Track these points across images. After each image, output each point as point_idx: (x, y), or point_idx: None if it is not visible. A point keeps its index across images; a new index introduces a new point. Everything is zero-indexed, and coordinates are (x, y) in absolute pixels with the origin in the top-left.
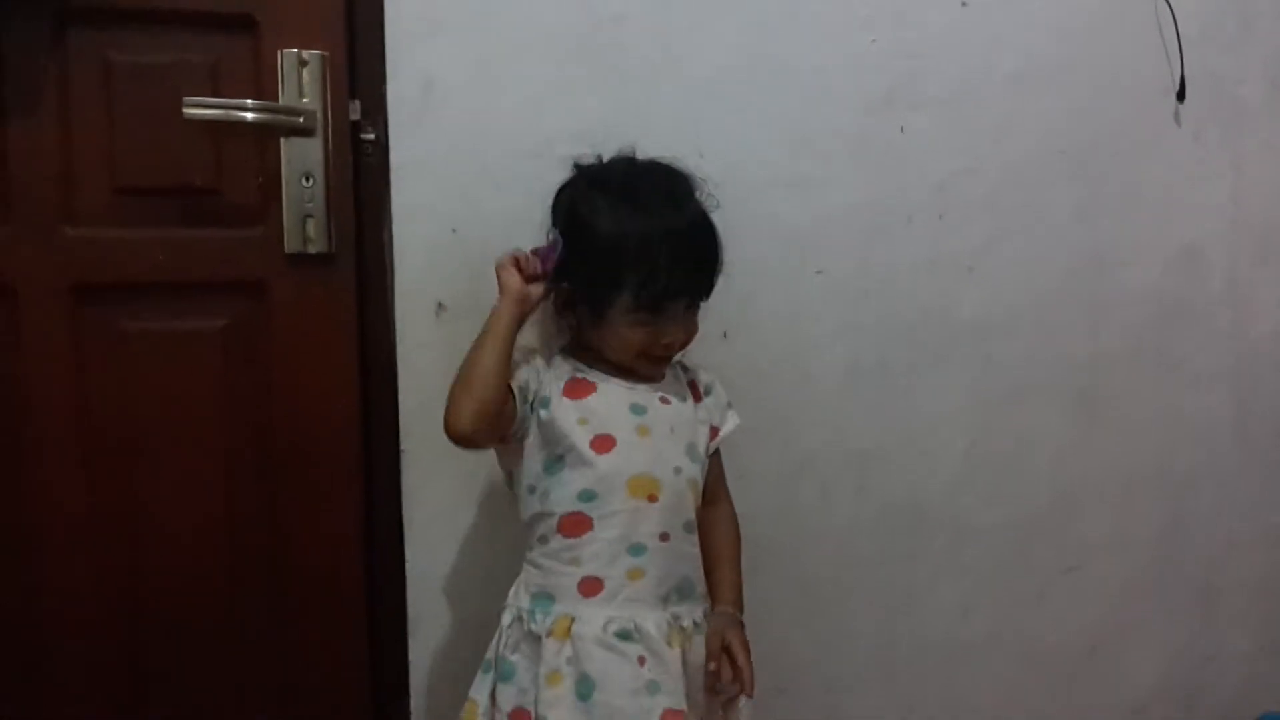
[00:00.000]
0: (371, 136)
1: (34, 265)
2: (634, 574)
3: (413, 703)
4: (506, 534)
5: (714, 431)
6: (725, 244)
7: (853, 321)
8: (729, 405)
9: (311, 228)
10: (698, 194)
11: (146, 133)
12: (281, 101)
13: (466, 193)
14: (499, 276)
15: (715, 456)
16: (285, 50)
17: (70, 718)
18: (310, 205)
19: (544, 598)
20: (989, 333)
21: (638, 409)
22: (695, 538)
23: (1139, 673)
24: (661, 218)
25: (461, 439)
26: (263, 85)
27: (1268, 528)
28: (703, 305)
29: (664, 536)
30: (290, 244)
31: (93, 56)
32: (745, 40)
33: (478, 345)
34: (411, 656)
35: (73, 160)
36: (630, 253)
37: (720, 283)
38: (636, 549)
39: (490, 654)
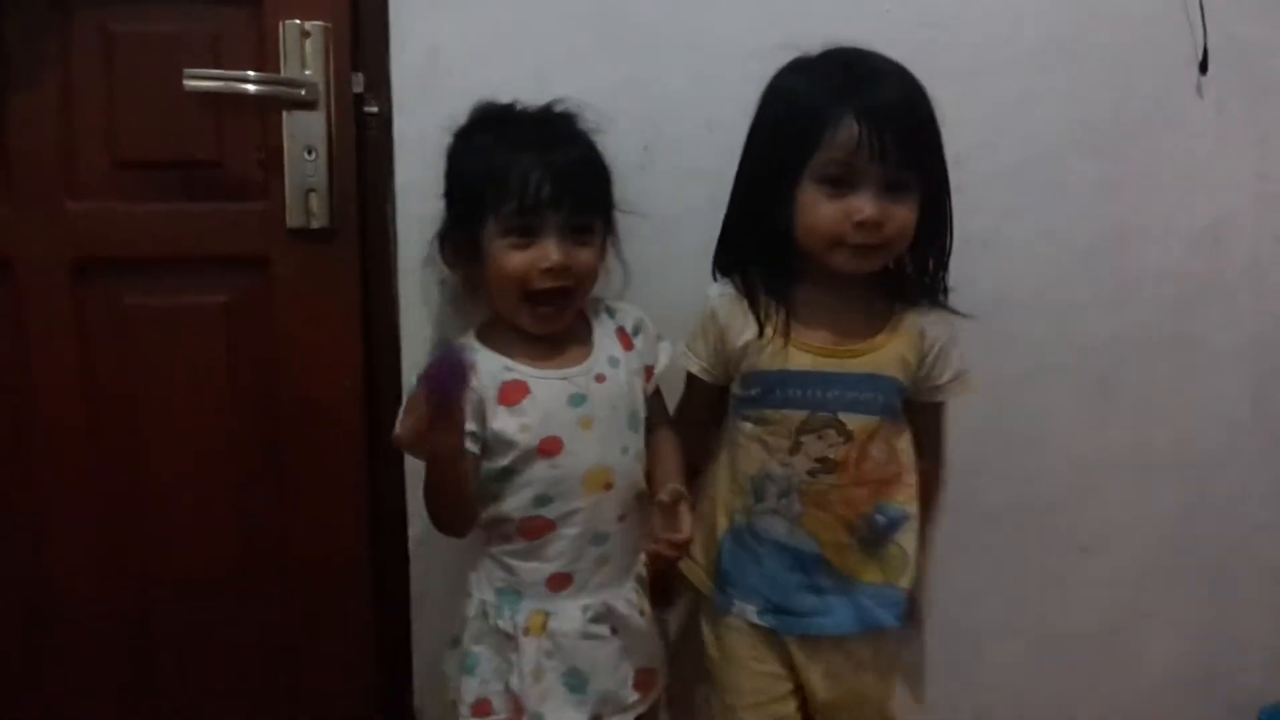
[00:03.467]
0: (375, 109)
1: (35, 240)
2: (600, 561)
3: (416, 680)
4: None
5: (648, 372)
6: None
7: None
8: (659, 337)
9: (314, 202)
10: (580, 128)
11: (147, 105)
12: (284, 74)
13: None
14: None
15: (655, 394)
16: (287, 21)
17: (74, 693)
18: (313, 179)
19: (510, 593)
20: (1005, 310)
21: (576, 400)
22: (644, 509)
23: (1155, 657)
24: (525, 144)
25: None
26: (265, 57)
27: None
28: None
29: (622, 518)
30: (292, 219)
31: (93, 28)
32: (757, 10)
33: (434, 489)
34: (415, 630)
35: (73, 133)
36: (492, 173)
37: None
38: (599, 538)
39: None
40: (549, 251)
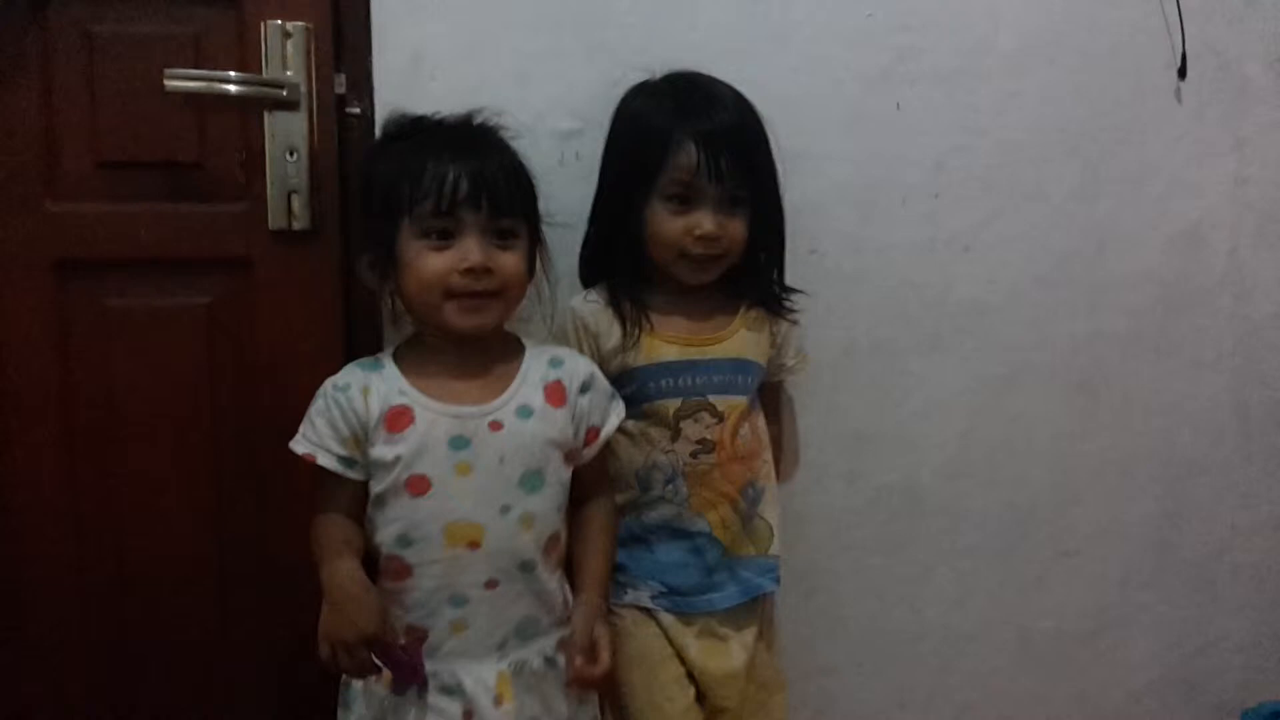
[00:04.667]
0: (357, 110)
1: (15, 241)
2: (457, 626)
3: None
4: None
5: (591, 435)
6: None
7: (847, 302)
8: (613, 396)
9: (296, 203)
10: (500, 137)
11: (129, 106)
12: (265, 74)
13: None
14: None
15: (597, 460)
16: (269, 22)
17: (47, 690)
18: (294, 180)
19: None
20: (986, 314)
21: (458, 443)
22: (541, 573)
23: (1138, 660)
24: (441, 147)
25: None
26: (246, 58)
27: (1268, 514)
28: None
29: (491, 584)
30: (274, 220)
31: (73, 28)
32: (738, 12)
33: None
34: None
35: (54, 134)
36: (407, 174)
37: None
38: (458, 600)
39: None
40: (469, 251)
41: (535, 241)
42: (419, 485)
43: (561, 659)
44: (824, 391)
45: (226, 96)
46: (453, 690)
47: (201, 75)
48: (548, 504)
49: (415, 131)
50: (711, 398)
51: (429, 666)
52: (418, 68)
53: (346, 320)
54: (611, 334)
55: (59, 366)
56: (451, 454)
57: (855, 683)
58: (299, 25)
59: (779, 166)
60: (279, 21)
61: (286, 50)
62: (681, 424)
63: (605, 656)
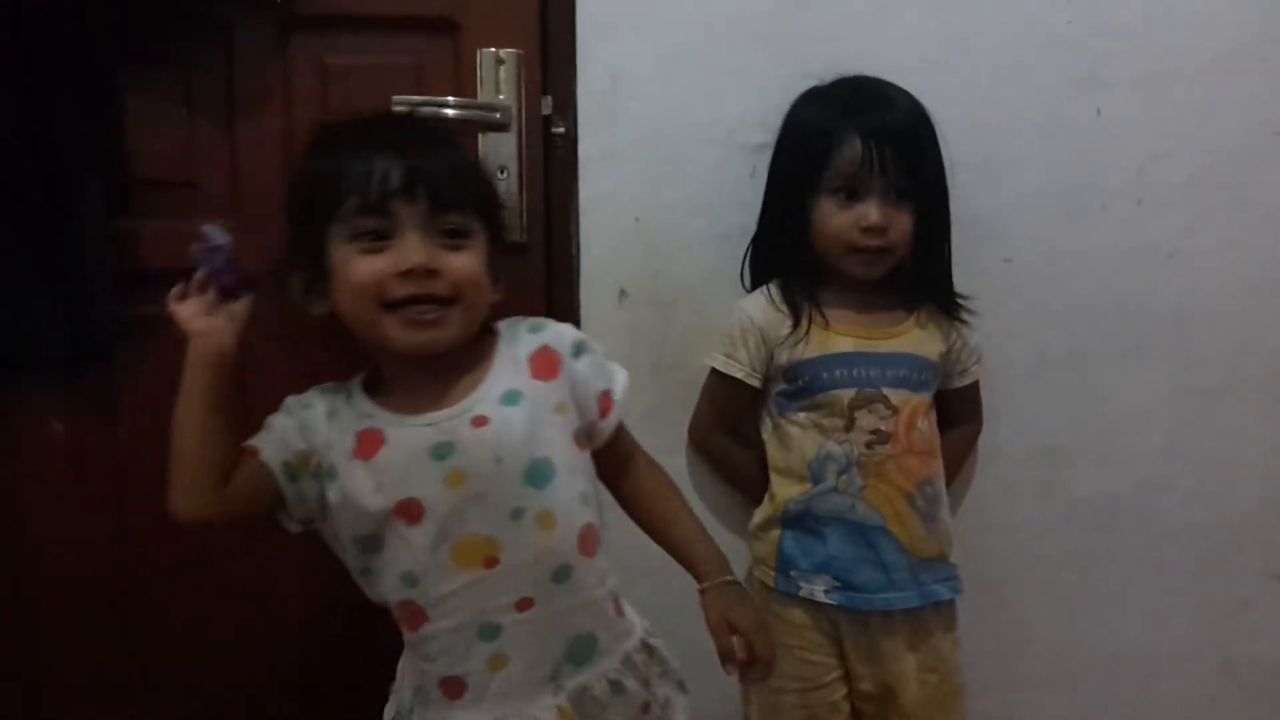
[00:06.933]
0: (561, 130)
1: (258, 254)
2: (496, 663)
3: None
4: None
5: (606, 400)
6: None
7: (1041, 310)
8: (607, 357)
9: (507, 218)
10: (443, 130)
11: None
12: (480, 98)
13: (650, 182)
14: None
15: (620, 428)
16: (483, 50)
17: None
18: (505, 196)
19: (420, 696)
20: (1190, 323)
21: (441, 451)
22: (583, 577)
23: None
24: (372, 142)
25: (189, 525)
26: (462, 83)
27: None
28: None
29: (524, 604)
30: None
31: (311, 60)
32: (931, 21)
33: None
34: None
35: (293, 157)
36: (330, 173)
37: None
38: (488, 632)
39: None
40: (409, 251)
41: (497, 245)
42: (411, 511)
43: (630, 682)
44: (1016, 401)
45: (446, 120)
46: None
47: (424, 101)
48: (566, 495)
49: (345, 129)
50: (886, 390)
51: (480, 716)
52: (617, 88)
53: None
54: (782, 327)
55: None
56: (437, 466)
57: (1042, 699)
58: (511, 52)
59: (967, 172)
60: (493, 50)
61: (499, 75)
62: (856, 414)
63: (755, 638)
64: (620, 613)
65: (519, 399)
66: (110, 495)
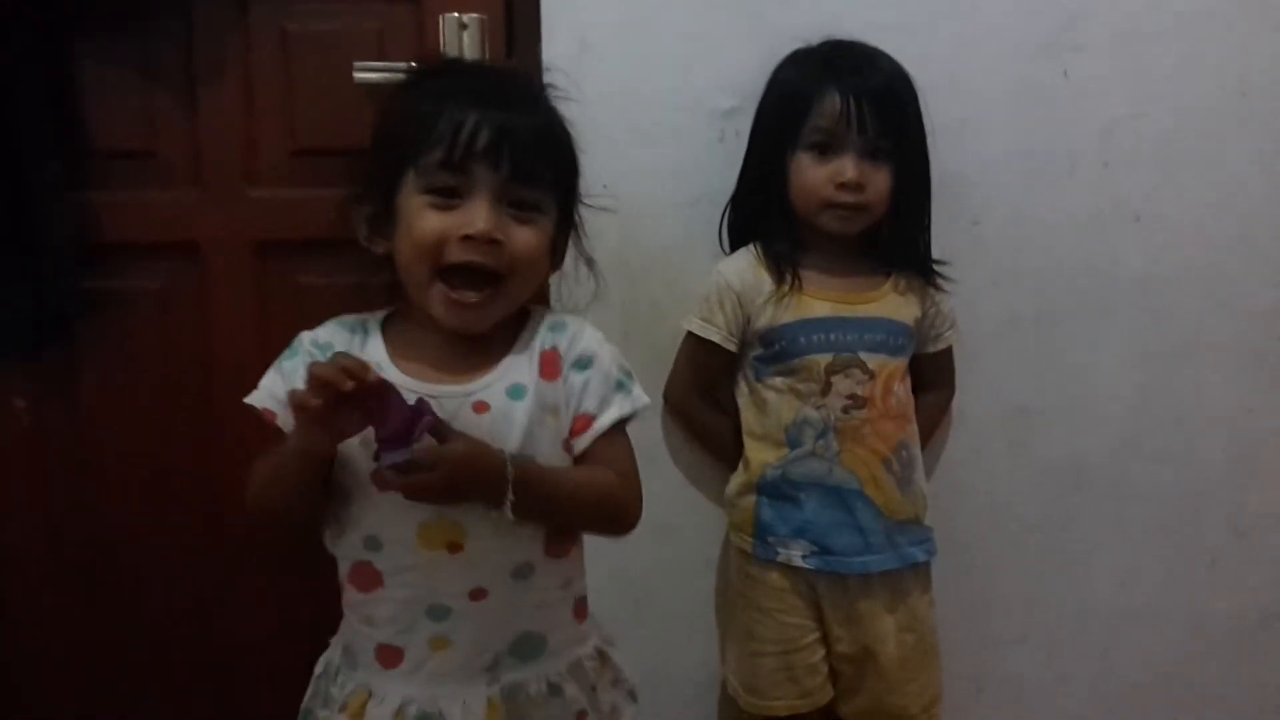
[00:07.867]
0: None
1: (219, 225)
2: (438, 643)
3: None
4: None
5: (580, 423)
6: None
7: (1010, 273)
8: (621, 385)
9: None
10: (544, 94)
11: (320, 98)
12: None
13: (618, 149)
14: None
15: (603, 440)
16: (446, 15)
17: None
18: None
19: (349, 657)
20: (1157, 285)
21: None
22: (543, 580)
23: None
24: (467, 93)
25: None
26: (426, 49)
27: None
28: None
29: (477, 594)
30: None
31: (271, 27)
32: None
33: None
34: None
35: (253, 125)
36: (419, 116)
37: None
38: (437, 612)
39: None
40: (475, 215)
41: (567, 226)
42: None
43: (568, 687)
44: (986, 364)
45: None
46: (428, 719)
47: (387, 67)
48: None
49: (444, 73)
50: (863, 355)
51: (403, 692)
52: (584, 53)
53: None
54: (760, 289)
55: (258, 343)
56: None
57: (1016, 658)
58: (474, 17)
59: (934, 136)
60: (456, 14)
61: (463, 41)
62: (832, 379)
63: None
64: (580, 619)
65: (524, 394)
66: (73, 470)
